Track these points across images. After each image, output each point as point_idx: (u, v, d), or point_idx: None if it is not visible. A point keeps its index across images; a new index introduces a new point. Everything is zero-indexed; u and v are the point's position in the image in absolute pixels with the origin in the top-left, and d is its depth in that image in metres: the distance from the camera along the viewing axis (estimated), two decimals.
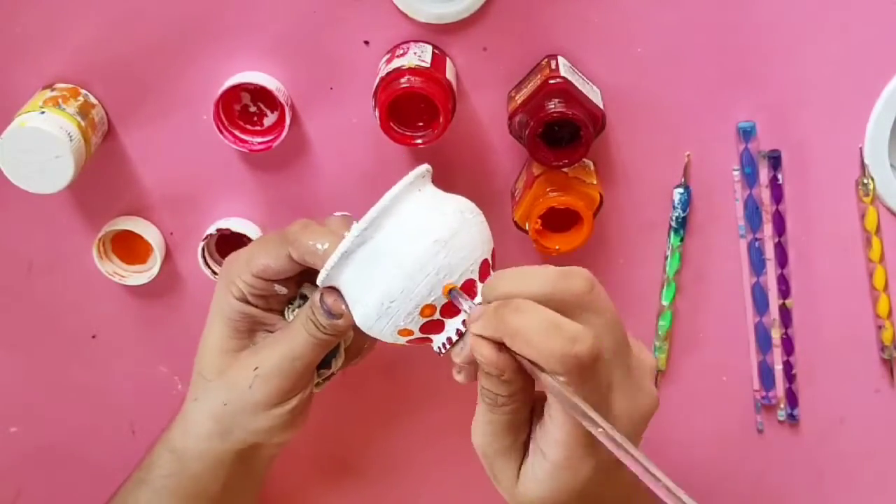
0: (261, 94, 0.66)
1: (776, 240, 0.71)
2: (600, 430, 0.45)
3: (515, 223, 0.66)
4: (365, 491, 0.80)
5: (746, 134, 0.68)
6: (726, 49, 0.66)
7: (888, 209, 0.71)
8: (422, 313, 0.51)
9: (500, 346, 0.48)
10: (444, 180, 0.69)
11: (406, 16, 0.64)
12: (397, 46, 0.65)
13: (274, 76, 0.66)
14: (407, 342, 0.53)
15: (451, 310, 0.52)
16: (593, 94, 0.64)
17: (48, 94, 0.64)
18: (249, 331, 0.59)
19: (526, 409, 0.51)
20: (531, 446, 0.51)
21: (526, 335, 0.46)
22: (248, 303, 0.58)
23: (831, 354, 0.74)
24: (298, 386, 0.59)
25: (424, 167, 0.54)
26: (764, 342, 0.73)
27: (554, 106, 0.61)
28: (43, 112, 0.62)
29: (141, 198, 0.69)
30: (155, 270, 0.70)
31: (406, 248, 0.50)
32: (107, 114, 0.67)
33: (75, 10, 0.65)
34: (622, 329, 0.49)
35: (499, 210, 0.68)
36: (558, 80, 0.62)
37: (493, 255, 0.53)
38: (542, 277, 0.47)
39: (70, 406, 0.77)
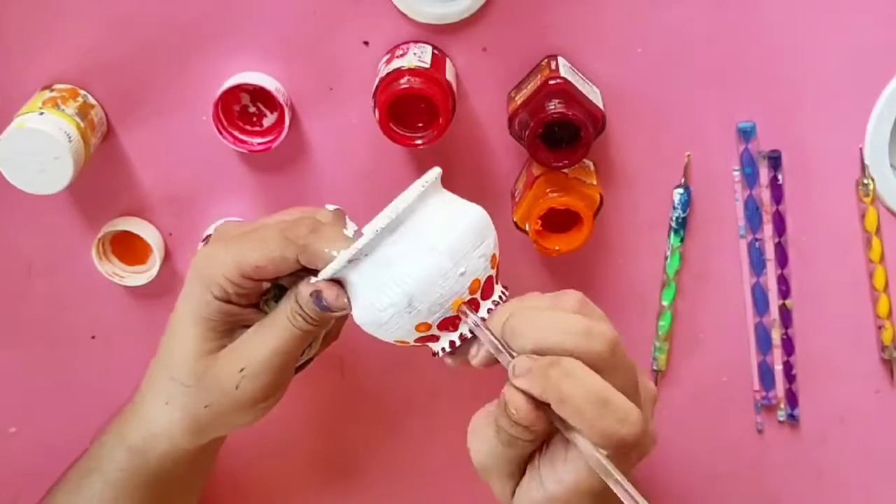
0: (260, 95, 0.66)
1: (776, 240, 0.71)
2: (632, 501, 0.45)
3: (515, 224, 0.66)
4: (365, 491, 0.80)
5: (746, 134, 0.68)
6: (726, 49, 0.66)
7: (888, 209, 0.70)
8: (421, 327, 0.51)
9: (538, 402, 0.47)
10: (445, 180, 0.69)
11: (406, 16, 0.64)
12: (397, 47, 0.65)
13: (273, 77, 0.66)
14: (401, 345, 0.53)
15: (455, 321, 0.51)
16: (593, 95, 0.64)
17: (47, 94, 0.64)
18: (228, 330, 0.56)
19: (533, 446, 0.50)
20: (531, 470, 0.50)
21: (576, 405, 0.46)
22: (230, 302, 0.55)
23: (831, 355, 0.74)
24: (285, 379, 0.57)
25: (436, 172, 0.53)
26: (764, 342, 0.73)
27: (554, 107, 0.61)
28: (42, 113, 0.62)
29: (140, 198, 0.69)
30: (154, 271, 0.70)
31: (418, 262, 0.50)
32: (106, 114, 0.67)
33: (74, 10, 0.64)
34: (636, 375, 0.49)
35: (499, 211, 0.68)
36: (558, 80, 0.62)
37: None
38: (566, 334, 0.47)
39: (70, 406, 0.77)
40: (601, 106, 0.64)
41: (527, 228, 0.65)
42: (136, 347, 0.75)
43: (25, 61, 0.65)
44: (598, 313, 0.50)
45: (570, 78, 0.62)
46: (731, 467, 0.78)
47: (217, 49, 0.66)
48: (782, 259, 0.71)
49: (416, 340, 0.52)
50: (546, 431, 0.48)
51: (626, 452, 0.46)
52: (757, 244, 0.71)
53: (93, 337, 0.75)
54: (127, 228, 0.69)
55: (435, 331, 0.51)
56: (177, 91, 0.67)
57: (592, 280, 0.73)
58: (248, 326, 0.56)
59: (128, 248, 0.71)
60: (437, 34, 0.65)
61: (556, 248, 0.65)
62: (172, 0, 0.65)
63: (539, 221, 0.64)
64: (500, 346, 0.50)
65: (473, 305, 0.51)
